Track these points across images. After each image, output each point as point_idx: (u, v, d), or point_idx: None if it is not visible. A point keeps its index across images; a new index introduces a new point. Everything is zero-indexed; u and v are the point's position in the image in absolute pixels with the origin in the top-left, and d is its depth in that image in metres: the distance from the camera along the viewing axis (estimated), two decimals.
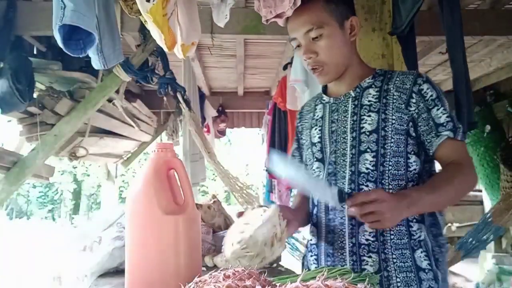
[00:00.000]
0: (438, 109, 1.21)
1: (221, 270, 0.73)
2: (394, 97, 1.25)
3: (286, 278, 0.79)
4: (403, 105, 1.23)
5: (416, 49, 2.21)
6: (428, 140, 1.23)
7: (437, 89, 1.24)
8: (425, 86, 1.23)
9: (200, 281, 0.70)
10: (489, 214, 3.77)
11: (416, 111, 1.22)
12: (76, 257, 1.42)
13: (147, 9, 1.49)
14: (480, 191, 5.71)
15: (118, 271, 1.38)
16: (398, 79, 1.27)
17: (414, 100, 1.22)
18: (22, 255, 9.51)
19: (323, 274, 0.57)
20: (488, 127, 4.49)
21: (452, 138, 1.20)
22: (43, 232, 13.94)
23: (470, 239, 3.71)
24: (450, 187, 1.16)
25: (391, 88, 1.26)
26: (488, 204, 4.96)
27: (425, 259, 1.21)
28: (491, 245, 4.37)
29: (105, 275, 1.36)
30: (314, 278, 0.59)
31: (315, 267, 1.33)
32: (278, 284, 0.63)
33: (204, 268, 1.36)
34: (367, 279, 0.61)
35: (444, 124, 1.21)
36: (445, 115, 1.21)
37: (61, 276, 1.44)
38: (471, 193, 6.43)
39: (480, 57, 4.15)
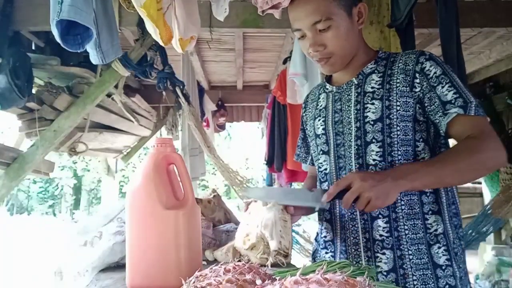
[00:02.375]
0: (443, 86, 1.13)
1: (221, 264, 0.73)
2: (398, 80, 1.18)
3: (286, 271, 0.80)
4: (407, 88, 1.16)
5: (415, 41, 2.21)
6: (437, 121, 1.14)
7: (443, 66, 1.16)
8: (427, 64, 1.15)
9: (200, 275, 0.70)
10: (488, 206, 3.78)
11: (421, 91, 1.15)
12: (77, 252, 1.42)
13: (140, 4, 1.48)
14: (480, 183, 5.73)
15: (119, 266, 1.39)
16: (401, 61, 1.20)
17: (418, 80, 1.15)
18: (23, 251, 9.53)
19: (322, 268, 0.57)
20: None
21: (464, 115, 1.10)
22: (44, 228, 13.98)
23: (470, 231, 3.73)
24: (457, 161, 1.06)
25: (395, 72, 1.19)
26: (487, 196, 4.97)
27: (443, 255, 1.15)
28: (491, 237, 4.39)
29: (106, 270, 1.37)
30: (313, 271, 0.59)
31: None
32: (278, 278, 0.63)
33: (204, 262, 1.36)
34: (366, 272, 0.61)
35: (452, 101, 1.11)
36: (452, 91, 1.12)
37: (62, 271, 1.45)
38: (470, 185, 6.45)
39: (480, 49, 4.13)
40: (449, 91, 1.13)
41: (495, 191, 4.34)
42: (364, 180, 1.01)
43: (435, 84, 1.14)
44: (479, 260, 4.48)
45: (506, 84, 4.65)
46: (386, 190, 1.02)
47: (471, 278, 4.12)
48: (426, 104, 1.15)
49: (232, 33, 3.54)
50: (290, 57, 3.40)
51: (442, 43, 2.05)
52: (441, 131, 1.16)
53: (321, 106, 1.34)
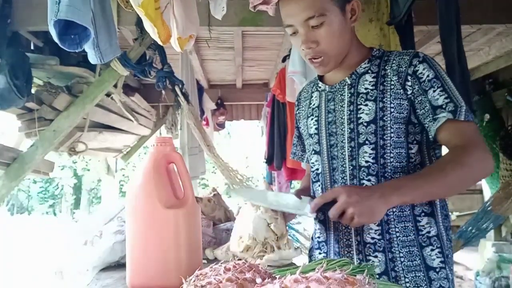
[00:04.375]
0: (434, 91, 1.11)
1: (221, 263, 0.73)
2: (392, 82, 1.15)
3: (286, 270, 0.80)
4: (401, 90, 1.14)
5: (414, 39, 2.20)
6: (426, 125, 1.14)
7: (436, 69, 1.14)
8: (420, 67, 1.13)
9: (201, 274, 0.70)
10: (488, 203, 3.78)
11: (412, 94, 1.13)
12: (77, 251, 1.42)
13: (138, 3, 1.48)
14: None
15: (119, 265, 1.39)
16: (395, 61, 1.18)
17: (409, 83, 1.14)
18: (24, 251, 9.54)
19: (322, 266, 0.57)
20: (487, 116, 4.48)
21: (453, 120, 1.09)
22: (44, 227, 13.99)
23: (470, 227, 3.72)
24: (445, 174, 1.05)
25: (389, 73, 1.17)
26: (487, 193, 4.97)
27: (437, 257, 1.15)
28: (491, 234, 4.39)
29: (106, 269, 1.37)
30: (313, 270, 0.59)
31: None
32: (278, 276, 0.63)
33: (204, 261, 1.37)
34: (366, 270, 0.62)
35: (443, 106, 1.10)
36: (443, 96, 1.11)
37: (62, 271, 1.45)
38: None
39: (479, 46, 4.13)
40: (440, 96, 1.12)
41: (495, 188, 4.34)
42: (350, 196, 1.00)
43: (426, 88, 1.13)
44: (479, 257, 4.48)
45: (506, 80, 4.64)
46: (372, 207, 1.00)
47: (471, 275, 4.13)
48: (416, 108, 1.15)
49: (231, 31, 3.53)
50: (289, 55, 3.39)
51: (442, 40, 2.05)
52: (430, 136, 1.15)
53: (314, 105, 1.32)
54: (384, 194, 1.02)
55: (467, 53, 4.26)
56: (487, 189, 4.96)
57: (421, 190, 1.06)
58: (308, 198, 1.12)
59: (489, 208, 3.73)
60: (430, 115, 1.12)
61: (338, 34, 1.16)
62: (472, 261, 4.59)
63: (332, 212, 1.02)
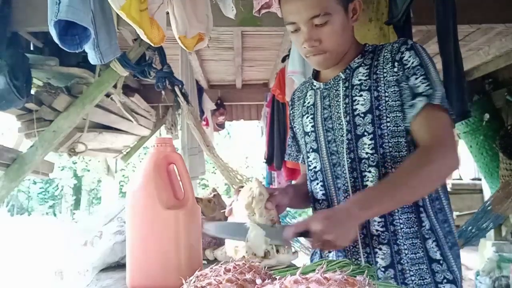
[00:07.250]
0: (417, 78, 1.11)
1: (222, 264, 0.73)
2: (385, 70, 1.16)
3: (286, 271, 0.80)
4: (392, 77, 1.14)
5: (412, 38, 2.21)
6: (405, 113, 1.14)
7: (422, 56, 1.14)
8: (407, 54, 1.14)
9: (201, 274, 0.70)
10: (488, 203, 3.78)
11: (397, 80, 1.14)
12: (77, 252, 1.42)
13: (120, 5, 1.46)
14: (480, 179, 5.73)
15: (119, 265, 1.39)
16: (386, 50, 1.18)
17: (395, 70, 1.14)
18: (24, 251, 9.54)
19: (322, 267, 0.57)
20: (487, 116, 4.48)
21: (428, 107, 1.09)
22: (44, 228, 14.00)
23: (470, 227, 3.73)
24: (410, 179, 1.06)
25: (381, 62, 1.17)
26: (487, 193, 4.97)
27: (437, 249, 1.14)
28: (491, 233, 4.39)
29: (106, 270, 1.37)
30: (313, 271, 0.59)
31: None
32: (278, 277, 0.63)
33: (205, 262, 1.37)
34: (366, 271, 0.62)
35: (423, 93, 1.10)
36: (425, 84, 1.10)
37: (62, 271, 1.45)
38: (471, 181, 6.46)
39: (478, 45, 4.13)
40: (422, 83, 1.11)
41: (494, 188, 4.35)
42: (322, 224, 1.00)
43: (409, 75, 1.13)
44: (480, 257, 4.48)
45: (505, 80, 4.64)
46: (345, 229, 1.01)
47: (472, 275, 4.12)
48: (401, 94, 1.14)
49: (231, 31, 3.53)
50: (288, 55, 3.39)
51: (439, 40, 2.06)
52: (405, 126, 1.15)
53: (309, 103, 1.31)
54: (352, 214, 1.03)
55: (467, 52, 4.27)
56: (487, 189, 4.96)
57: (387, 201, 1.07)
58: (283, 226, 1.10)
59: (489, 208, 3.73)
60: (408, 103, 1.13)
61: (340, 33, 1.16)
62: (472, 261, 4.59)
63: (313, 244, 1.04)
